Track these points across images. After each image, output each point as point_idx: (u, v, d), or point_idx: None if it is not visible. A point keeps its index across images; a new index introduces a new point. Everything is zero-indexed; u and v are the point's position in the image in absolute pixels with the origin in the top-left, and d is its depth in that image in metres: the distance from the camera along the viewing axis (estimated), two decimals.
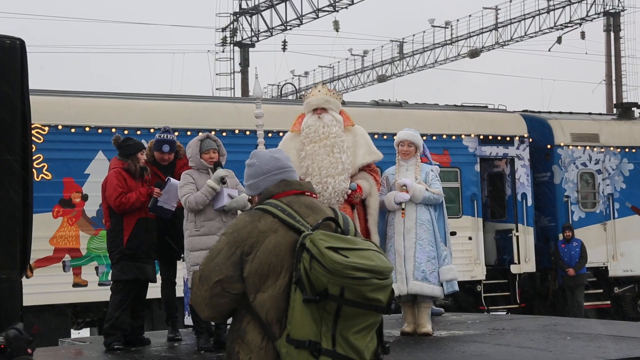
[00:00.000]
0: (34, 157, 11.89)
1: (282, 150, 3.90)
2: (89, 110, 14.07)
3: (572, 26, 30.93)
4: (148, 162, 8.74)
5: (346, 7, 28.60)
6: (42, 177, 13.31)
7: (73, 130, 13.76)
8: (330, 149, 8.02)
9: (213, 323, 7.94)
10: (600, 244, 18.05)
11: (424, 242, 8.42)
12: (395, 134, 9.09)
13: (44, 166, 13.41)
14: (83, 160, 13.74)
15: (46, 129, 13.47)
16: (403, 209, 8.41)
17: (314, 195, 3.70)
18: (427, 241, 8.43)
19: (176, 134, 9.14)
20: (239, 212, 7.94)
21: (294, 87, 35.14)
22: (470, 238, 16.77)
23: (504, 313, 16.54)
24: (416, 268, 8.34)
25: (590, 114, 19.74)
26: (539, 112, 19.36)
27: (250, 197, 3.85)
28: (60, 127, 13.67)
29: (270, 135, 13.55)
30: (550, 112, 19.33)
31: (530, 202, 17.60)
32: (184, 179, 8.08)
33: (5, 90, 6.29)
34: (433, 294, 8.41)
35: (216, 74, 31.39)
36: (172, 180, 8.37)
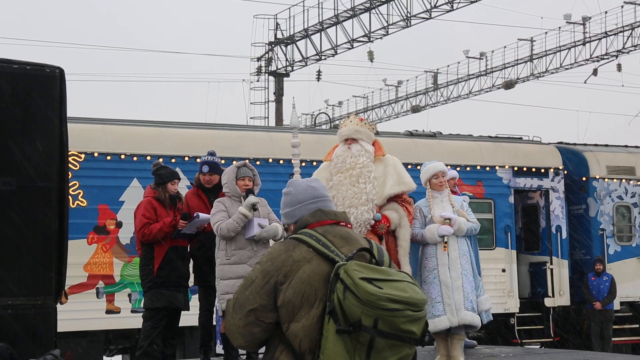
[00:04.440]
0: (70, 184, 12.00)
1: (318, 179, 3.90)
2: (124, 138, 14.20)
3: (608, 58, 30.69)
4: (196, 185, 8.86)
5: (381, 38, 28.60)
6: (77, 203, 13.42)
7: (109, 157, 13.88)
8: (355, 179, 7.98)
9: (245, 351, 7.93)
10: (637, 278, 17.80)
11: (467, 273, 8.37)
12: None
13: (79, 193, 13.52)
14: (118, 187, 13.84)
15: (82, 156, 13.60)
16: (445, 242, 8.35)
17: (349, 226, 3.69)
18: (469, 271, 8.39)
19: None
20: (271, 241, 7.94)
21: (328, 116, 35.16)
22: (503, 270, 16.63)
23: (538, 346, 16.34)
24: (465, 298, 8.26)
25: (626, 146, 19.56)
26: (574, 144, 19.22)
27: (286, 226, 3.84)
28: (96, 154, 13.80)
29: (304, 164, 13.58)
30: (585, 144, 19.19)
31: (564, 235, 17.43)
32: (216, 207, 8.12)
33: (44, 118, 6.37)
34: (479, 324, 8.35)
35: (251, 103, 31.54)
36: (202, 215, 8.38)
